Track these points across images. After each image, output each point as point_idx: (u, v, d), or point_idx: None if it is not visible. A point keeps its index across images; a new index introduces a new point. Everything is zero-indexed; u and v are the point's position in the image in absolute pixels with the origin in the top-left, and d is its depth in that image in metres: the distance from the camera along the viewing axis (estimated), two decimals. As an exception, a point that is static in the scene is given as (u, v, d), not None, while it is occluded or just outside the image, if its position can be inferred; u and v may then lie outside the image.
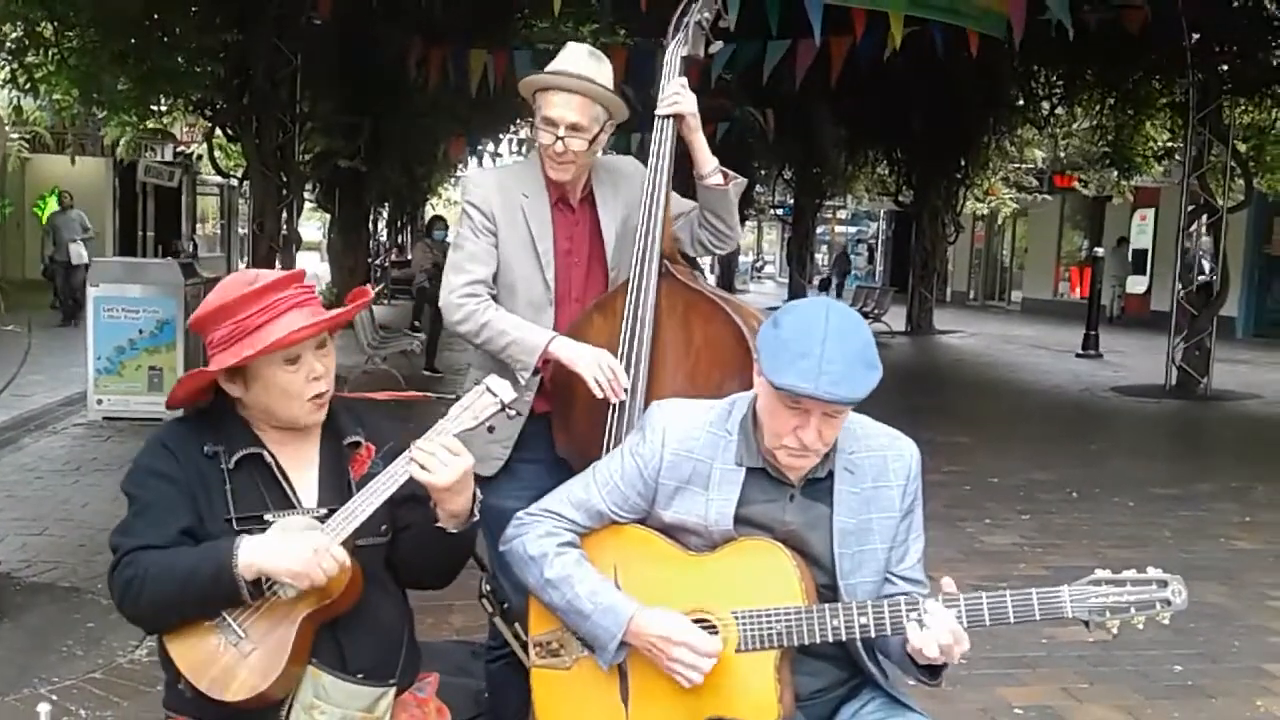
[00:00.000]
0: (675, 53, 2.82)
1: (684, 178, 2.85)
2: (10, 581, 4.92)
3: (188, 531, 2.04)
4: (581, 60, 2.78)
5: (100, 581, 4.88)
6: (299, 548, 1.94)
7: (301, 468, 2.17)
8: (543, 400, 2.85)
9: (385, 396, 2.31)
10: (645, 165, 2.82)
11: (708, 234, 2.90)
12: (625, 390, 2.64)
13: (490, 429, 2.15)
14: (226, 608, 2.00)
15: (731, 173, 2.85)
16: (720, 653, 2.06)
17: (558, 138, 2.73)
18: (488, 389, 2.07)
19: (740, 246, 36.08)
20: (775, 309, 2.22)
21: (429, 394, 9.81)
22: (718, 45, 2.93)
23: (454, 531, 2.13)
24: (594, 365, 2.64)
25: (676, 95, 2.75)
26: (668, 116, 2.76)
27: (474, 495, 2.13)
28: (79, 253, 16.84)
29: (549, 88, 2.75)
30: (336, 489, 2.12)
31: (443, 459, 2.02)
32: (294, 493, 2.13)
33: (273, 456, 2.13)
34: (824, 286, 31.87)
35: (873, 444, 2.22)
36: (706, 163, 2.81)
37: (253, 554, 1.95)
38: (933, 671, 2.07)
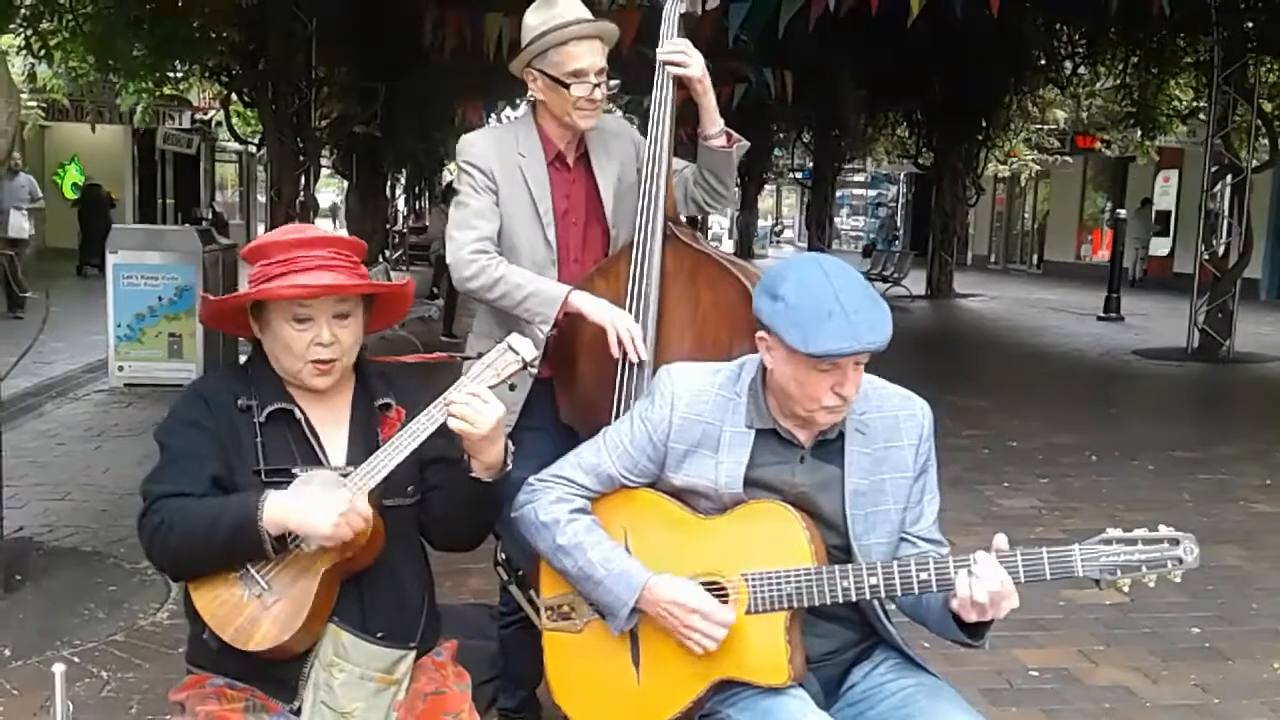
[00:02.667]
0: (674, 9, 2.77)
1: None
2: (33, 546, 4.97)
3: (217, 481, 2.06)
4: (579, 5, 2.76)
5: (123, 546, 4.95)
6: (325, 508, 1.95)
7: (332, 427, 2.18)
8: (545, 366, 2.83)
9: (413, 359, 2.30)
10: (640, 124, 2.80)
11: (703, 192, 2.88)
12: (640, 356, 2.62)
13: (512, 387, 2.15)
14: (250, 560, 2.02)
15: (735, 134, 2.82)
16: (734, 620, 2.06)
17: (594, 85, 2.71)
18: (510, 347, 2.06)
19: (759, 211, 35.96)
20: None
21: (454, 355, 9.83)
22: (714, 1, 2.88)
23: (489, 481, 2.12)
24: (612, 322, 2.63)
25: (682, 55, 2.70)
26: (671, 79, 2.72)
27: (506, 446, 2.13)
28: (19, 224, 13.76)
29: (568, 40, 2.70)
30: (365, 449, 2.12)
31: (477, 407, 2.02)
32: (322, 450, 2.15)
33: (303, 414, 2.15)
34: (867, 254, 31.67)
35: (885, 404, 2.21)
36: (713, 124, 2.79)
37: (277, 510, 1.97)
38: (975, 632, 2.04)
